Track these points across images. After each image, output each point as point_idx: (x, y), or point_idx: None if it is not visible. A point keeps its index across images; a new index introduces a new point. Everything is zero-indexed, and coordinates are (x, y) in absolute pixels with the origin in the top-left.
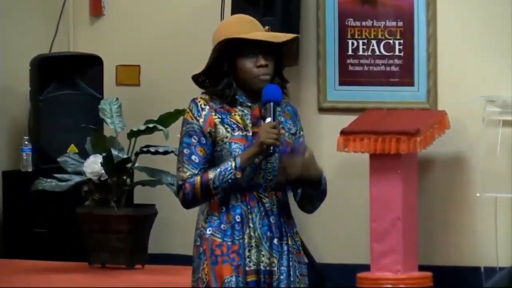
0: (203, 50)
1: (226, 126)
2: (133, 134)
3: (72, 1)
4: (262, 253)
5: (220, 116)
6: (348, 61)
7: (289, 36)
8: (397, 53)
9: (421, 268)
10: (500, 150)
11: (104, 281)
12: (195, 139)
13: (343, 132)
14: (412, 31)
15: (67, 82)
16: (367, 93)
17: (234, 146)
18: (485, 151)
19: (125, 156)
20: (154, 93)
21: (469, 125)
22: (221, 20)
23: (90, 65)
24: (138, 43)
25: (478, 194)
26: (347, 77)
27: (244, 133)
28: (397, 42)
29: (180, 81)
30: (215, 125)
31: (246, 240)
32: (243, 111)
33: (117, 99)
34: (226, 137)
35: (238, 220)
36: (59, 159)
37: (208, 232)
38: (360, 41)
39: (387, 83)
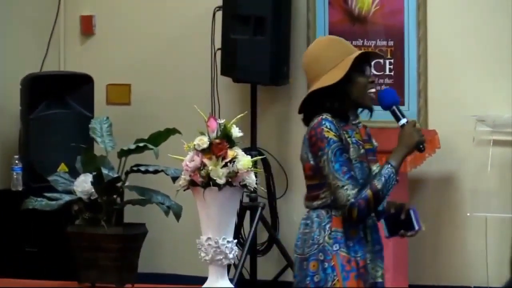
0: (193, 70)
1: (355, 145)
2: (123, 153)
3: (63, 20)
4: (377, 268)
5: (350, 135)
6: None
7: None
8: (387, 72)
9: (411, 287)
10: (491, 169)
11: None
12: (346, 156)
13: None
14: (403, 50)
15: (57, 101)
16: None
17: (364, 164)
18: (475, 170)
19: (115, 175)
20: (144, 112)
21: (459, 145)
22: (211, 40)
23: (81, 84)
24: (129, 62)
25: (468, 214)
26: None
27: (363, 151)
28: (387, 61)
29: (170, 100)
30: (348, 144)
31: (367, 255)
32: (354, 129)
33: (107, 118)
34: (358, 156)
35: (361, 235)
36: (49, 178)
37: (334, 248)
38: None
39: (377, 102)
